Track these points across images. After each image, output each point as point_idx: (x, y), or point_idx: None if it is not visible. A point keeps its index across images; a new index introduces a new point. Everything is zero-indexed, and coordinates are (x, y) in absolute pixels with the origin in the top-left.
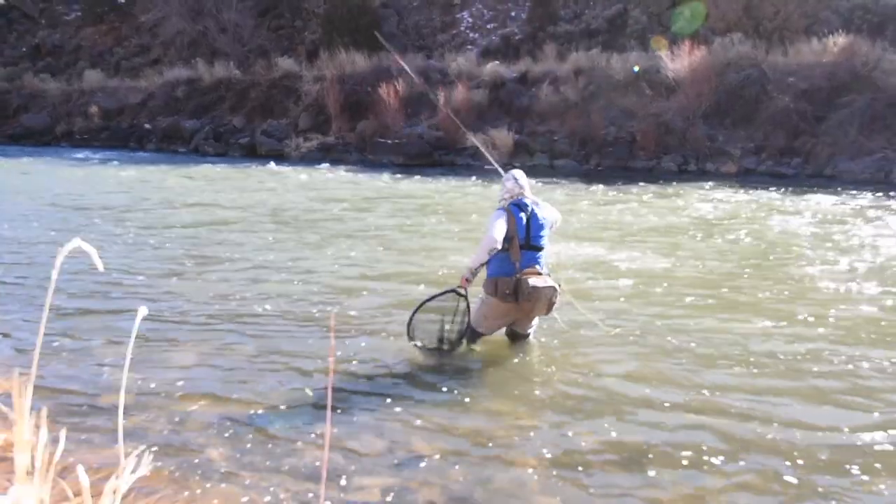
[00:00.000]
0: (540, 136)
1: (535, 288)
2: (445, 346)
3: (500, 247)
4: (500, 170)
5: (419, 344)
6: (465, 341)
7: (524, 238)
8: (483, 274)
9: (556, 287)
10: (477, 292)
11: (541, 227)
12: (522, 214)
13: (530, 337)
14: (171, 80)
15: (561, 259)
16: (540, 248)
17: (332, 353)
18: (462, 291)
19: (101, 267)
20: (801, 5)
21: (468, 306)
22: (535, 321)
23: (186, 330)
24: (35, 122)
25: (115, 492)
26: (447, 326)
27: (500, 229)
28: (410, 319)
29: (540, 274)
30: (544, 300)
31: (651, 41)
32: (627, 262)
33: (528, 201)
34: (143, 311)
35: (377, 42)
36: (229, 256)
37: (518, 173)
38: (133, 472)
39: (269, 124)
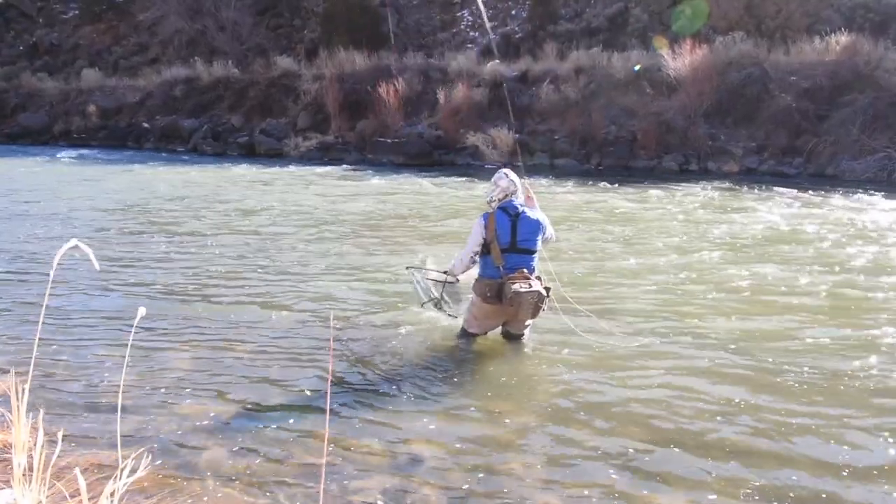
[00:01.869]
0: (540, 135)
1: (517, 293)
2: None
3: (467, 268)
4: (517, 180)
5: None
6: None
7: (509, 241)
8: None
9: (543, 292)
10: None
11: (531, 230)
12: (507, 218)
13: (525, 337)
14: (169, 79)
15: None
16: (530, 251)
17: (331, 353)
18: (449, 278)
19: (97, 266)
20: (802, 4)
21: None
22: (529, 322)
23: (185, 330)
24: (33, 122)
25: (112, 494)
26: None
27: (472, 247)
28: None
29: (528, 278)
30: (527, 305)
31: (652, 40)
32: (630, 262)
33: (517, 203)
34: (141, 311)
35: (377, 41)
36: (228, 256)
37: (510, 171)
38: (131, 474)
39: (268, 123)
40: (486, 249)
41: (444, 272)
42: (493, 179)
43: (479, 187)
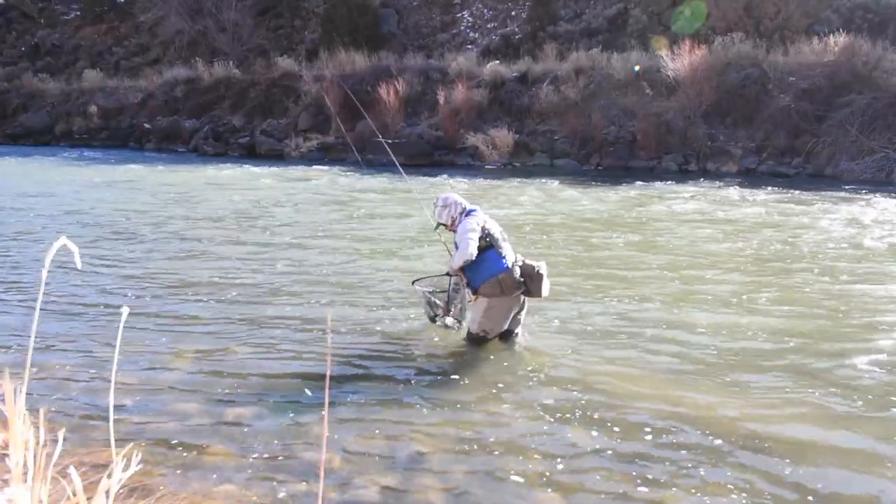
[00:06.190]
0: (540, 135)
1: (540, 266)
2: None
3: (471, 256)
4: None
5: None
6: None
7: (499, 235)
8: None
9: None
10: None
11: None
12: (484, 216)
13: (518, 335)
14: (170, 80)
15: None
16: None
17: (329, 352)
18: (454, 279)
19: (79, 264)
20: (801, 5)
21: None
22: (522, 317)
23: (185, 330)
24: (34, 122)
25: (107, 492)
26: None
27: (473, 239)
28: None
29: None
30: (546, 280)
31: (652, 40)
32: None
33: (472, 207)
34: (125, 311)
35: (377, 42)
36: (226, 256)
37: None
38: (123, 471)
39: (269, 124)
40: (485, 246)
41: (447, 273)
42: (440, 205)
43: (480, 184)
